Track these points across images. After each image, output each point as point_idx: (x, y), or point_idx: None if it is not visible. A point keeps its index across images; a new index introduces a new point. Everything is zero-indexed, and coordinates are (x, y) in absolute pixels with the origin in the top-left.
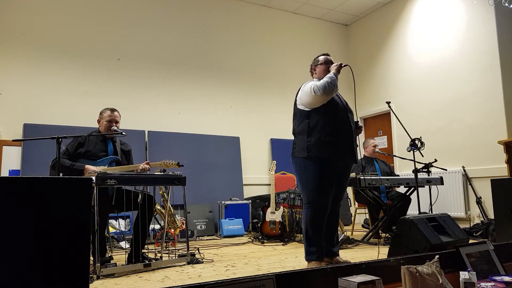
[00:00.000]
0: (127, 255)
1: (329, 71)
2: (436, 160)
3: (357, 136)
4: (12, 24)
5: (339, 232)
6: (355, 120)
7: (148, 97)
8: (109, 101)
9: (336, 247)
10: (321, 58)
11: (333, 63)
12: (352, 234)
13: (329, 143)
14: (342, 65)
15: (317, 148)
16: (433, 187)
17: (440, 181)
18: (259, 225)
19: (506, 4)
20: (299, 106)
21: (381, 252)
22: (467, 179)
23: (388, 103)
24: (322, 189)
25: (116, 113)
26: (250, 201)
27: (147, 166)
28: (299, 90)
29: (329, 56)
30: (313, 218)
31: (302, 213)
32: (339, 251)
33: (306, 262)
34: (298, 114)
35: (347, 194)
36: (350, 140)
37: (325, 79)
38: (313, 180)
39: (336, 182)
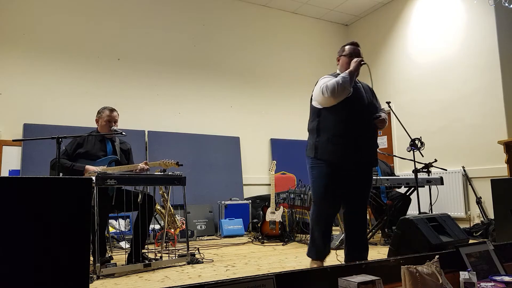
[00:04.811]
0: (127, 255)
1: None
2: (436, 160)
3: (376, 133)
4: (12, 24)
5: (339, 232)
6: (378, 114)
7: (148, 97)
8: (109, 101)
9: (364, 253)
10: (347, 48)
11: (359, 55)
12: None
13: (337, 145)
14: (362, 63)
15: (324, 149)
16: (433, 187)
17: (440, 181)
18: (259, 225)
19: (506, 4)
20: (313, 102)
21: (381, 252)
22: (467, 179)
23: (388, 103)
24: (326, 191)
25: (115, 113)
26: (250, 201)
27: (146, 166)
28: (316, 84)
29: (356, 46)
30: (316, 217)
31: (310, 211)
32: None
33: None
34: (311, 111)
35: None
36: (365, 143)
37: (338, 79)
38: (318, 181)
39: (348, 185)
